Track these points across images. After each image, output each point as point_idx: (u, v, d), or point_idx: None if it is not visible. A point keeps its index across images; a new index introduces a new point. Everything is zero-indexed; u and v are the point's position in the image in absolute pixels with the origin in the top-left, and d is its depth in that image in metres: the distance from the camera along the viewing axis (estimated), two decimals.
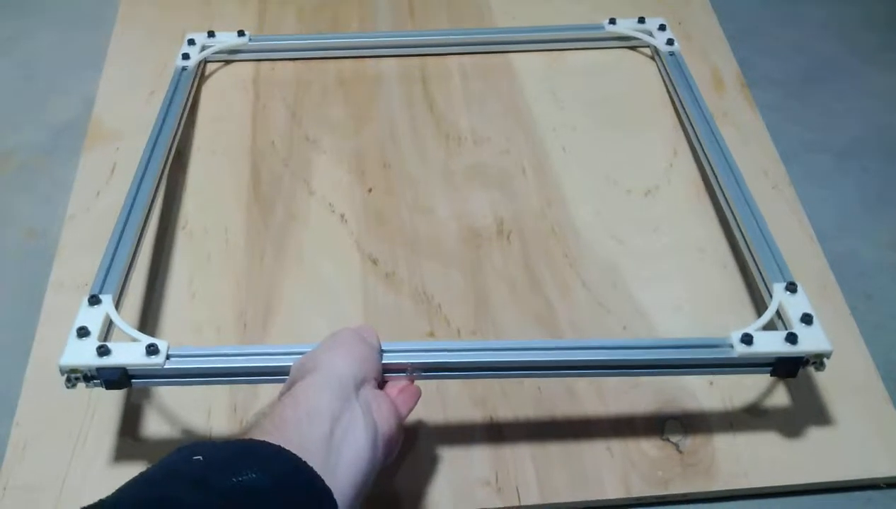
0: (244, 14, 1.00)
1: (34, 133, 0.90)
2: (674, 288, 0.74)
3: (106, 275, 0.63)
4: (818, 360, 0.60)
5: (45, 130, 0.90)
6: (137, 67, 0.93)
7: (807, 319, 0.61)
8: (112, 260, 0.65)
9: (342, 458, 0.45)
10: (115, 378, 0.57)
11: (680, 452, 0.63)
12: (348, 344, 0.54)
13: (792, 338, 0.59)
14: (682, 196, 0.81)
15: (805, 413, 0.66)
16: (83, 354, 0.57)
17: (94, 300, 0.61)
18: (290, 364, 0.54)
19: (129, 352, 0.58)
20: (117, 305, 0.62)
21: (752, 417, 0.66)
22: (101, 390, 0.58)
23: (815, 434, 0.65)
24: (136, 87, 0.91)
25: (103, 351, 0.57)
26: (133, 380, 0.58)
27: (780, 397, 0.67)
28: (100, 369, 0.57)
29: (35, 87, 0.95)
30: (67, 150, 0.87)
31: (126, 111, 0.88)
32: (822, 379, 0.67)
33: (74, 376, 0.57)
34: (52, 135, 0.90)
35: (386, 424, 0.51)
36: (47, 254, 0.76)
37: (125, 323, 0.61)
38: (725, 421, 0.65)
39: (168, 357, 0.58)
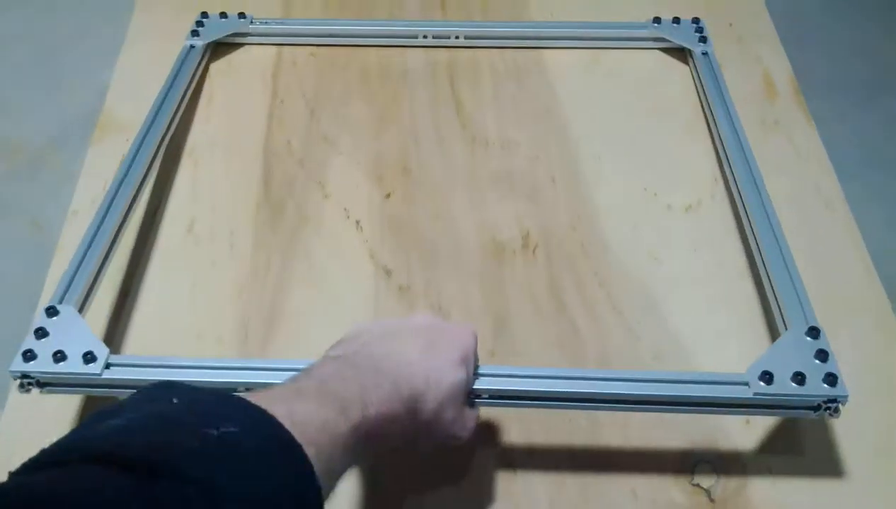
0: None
1: (45, 122, 0.87)
2: (714, 314, 0.68)
3: (68, 286, 0.62)
4: (831, 406, 0.56)
5: (57, 120, 0.87)
6: (154, 56, 0.90)
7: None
8: (77, 269, 0.63)
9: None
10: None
11: (712, 500, 0.58)
12: (470, 360, 0.54)
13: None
14: (728, 212, 0.75)
15: (853, 457, 0.60)
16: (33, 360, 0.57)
17: (51, 311, 0.60)
18: (239, 383, 0.55)
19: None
20: (81, 309, 0.61)
21: (792, 461, 0.60)
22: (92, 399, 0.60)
23: (864, 481, 0.59)
24: (152, 76, 0.87)
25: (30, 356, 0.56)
26: (72, 388, 0.58)
27: (825, 440, 0.61)
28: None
29: (50, 75, 0.92)
30: (79, 141, 0.84)
31: (140, 101, 0.84)
32: (875, 419, 0.61)
33: (28, 382, 0.57)
34: (64, 125, 0.87)
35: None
36: (50, 249, 0.73)
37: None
38: (763, 464, 0.60)
39: (107, 366, 0.56)
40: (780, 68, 0.89)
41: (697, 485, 0.59)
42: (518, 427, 0.62)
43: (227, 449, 0.35)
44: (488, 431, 0.61)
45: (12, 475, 0.33)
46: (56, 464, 0.33)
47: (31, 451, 0.34)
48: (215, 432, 0.36)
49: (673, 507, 0.58)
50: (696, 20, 0.89)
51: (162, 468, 0.32)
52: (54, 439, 0.35)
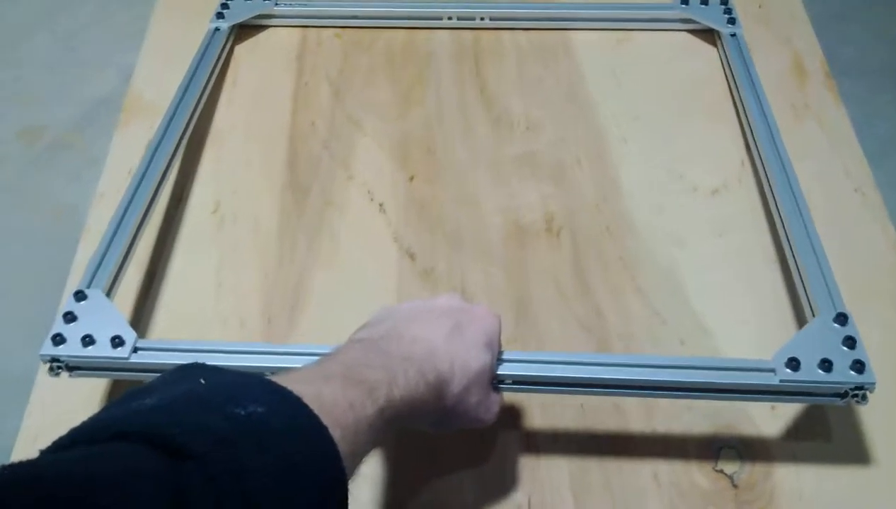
0: None
1: (68, 107, 0.87)
2: (740, 299, 0.68)
3: (96, 270, 0.62)
4: (859, 393, 0.55)
5: (81, 105, 0.87)
6: (179, 39, 0.89)
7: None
8: (105, 253, 0.63)
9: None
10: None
11: (735, 486, 0.58)
12: (494, 344, 0.53)
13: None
14: (755, 196, 0.74)
15: (881, 445, 0.60)
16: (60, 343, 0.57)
17: (80, 296, 0.60)
18: (265, 368, 0.54)
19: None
20: (109, 293, 0.61)
21: (818, 448, 0.60)
22: (118, 382, 0.60)
23: (892, 469, 0.58)
24: (177, 58, 0.87)
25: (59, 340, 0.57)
26: (101, 372, 0.59)
27: (852, 427, 0.61)
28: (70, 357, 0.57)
29: (74, 60, 0.92)
30: (100, 125, 0.84)
31: (165, 84, 0.84)
32: None
33: (57, 366, 0.57)
34: (88, 110, 0.87)
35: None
36: (73, 232, 0.73)
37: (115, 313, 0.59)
38: (788, 451, 0.59)
39: (135, 350, 0.57)
40: (811, 51, 0.87)
41: (721, 472, 0.58)
42: (541, 411, 0.61)
43: (254, 430, 0.35)
44: (512, 415, 0.61)
45: (44, 453, 0.33)
46: (88, 442, 0.33)
47: (58, 432, 0.34)
48: (242, 412, 0.36)
49: (696, 492, 0.57)
50: (724, 1, 0.87)
51: (191, 448, 0.32)
52: (82, 419, 0.35)
